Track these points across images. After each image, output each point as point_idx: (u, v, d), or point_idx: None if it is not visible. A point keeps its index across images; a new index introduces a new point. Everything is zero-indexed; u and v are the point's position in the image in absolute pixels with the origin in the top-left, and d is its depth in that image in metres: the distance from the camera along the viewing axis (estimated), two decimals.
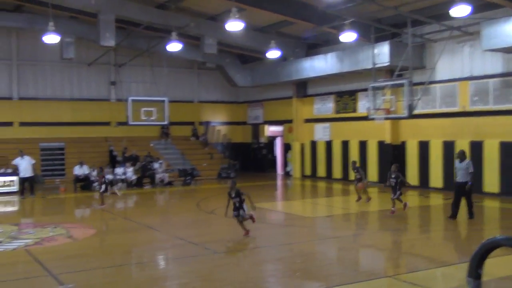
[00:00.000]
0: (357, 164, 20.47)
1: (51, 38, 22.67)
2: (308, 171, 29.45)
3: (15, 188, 23.52)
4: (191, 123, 33.90)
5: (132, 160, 27.54)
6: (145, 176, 26.78)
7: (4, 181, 23.84)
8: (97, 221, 16.86)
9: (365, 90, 23.44)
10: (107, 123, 31.21)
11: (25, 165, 22.24)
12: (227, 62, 31.64)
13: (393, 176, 16.00)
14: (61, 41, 24.32)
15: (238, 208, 12.42)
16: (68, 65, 29.72)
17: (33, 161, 22.85)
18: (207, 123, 34.60)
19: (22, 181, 22.35)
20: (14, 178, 23.71)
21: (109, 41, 23.43)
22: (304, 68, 27.39)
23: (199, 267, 10.51)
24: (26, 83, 29.55)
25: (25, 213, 19.59)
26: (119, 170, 26.17)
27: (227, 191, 12.76)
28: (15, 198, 22.39)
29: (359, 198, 19.14)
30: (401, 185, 16.16)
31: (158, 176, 26.56)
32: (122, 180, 25.78)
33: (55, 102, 30.06)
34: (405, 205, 16.12)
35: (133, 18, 24.60)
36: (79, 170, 24.99)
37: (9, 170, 24.41)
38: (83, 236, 13.73)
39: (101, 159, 28.36)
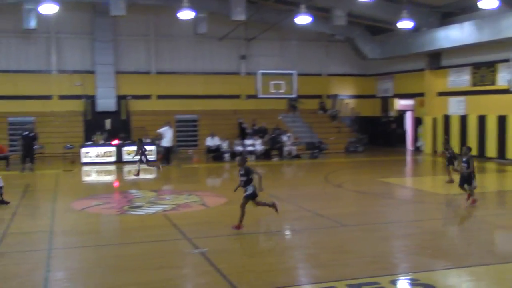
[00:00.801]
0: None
1: (186, 14, 23.74)
2: (440, 147, 28.21)
3: (153, 157, 25.17)
4: (319, 96, 33.78)
5: (261, 132, 28.18)
6: (273, 148, 27.27)
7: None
8: (227, 190, 17.50)
9: (506, 61, 21.79)
10: (237, 96, 32.09)
11: (170, 135, 23.78)
12: (357, 34, 30.98)
13: None
14: (195, 16, 25.31)
15: (243, 187, 11.14)
16: (200, 40, 30.85)
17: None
18: (334, 96, 34.27)
19: (167, 150, 23.89)
20: (153, 147, 25.39)
21: (240, 16, 24.02)
22: (438, 38, 26.00)
23: (326, 239, 10.61)
24: (163, 58, 31.19)
25: (163, 181, 20.80)
26: (248, 142, 26.94)
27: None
28: (153, 166, 23.93)
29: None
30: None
31: (286, 149, 26.95)
32: (251, 152, 26.52)
33: (188, 76, 31.46)
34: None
35: None
36: (211, 141, 26.13)
37: (149, 140, 26.13)
38: (214, 204, 14.39)
39: (231, 131, 29.32)
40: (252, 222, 12.31)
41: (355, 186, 18.24)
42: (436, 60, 28.54)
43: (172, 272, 8.54)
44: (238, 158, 11.94)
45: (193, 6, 23.65)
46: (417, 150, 30.40)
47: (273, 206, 11.37)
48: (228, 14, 24.70)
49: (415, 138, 30.89)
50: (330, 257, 9.25)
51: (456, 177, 15.08)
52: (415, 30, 26.94)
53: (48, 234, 10.97)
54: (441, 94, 28.46)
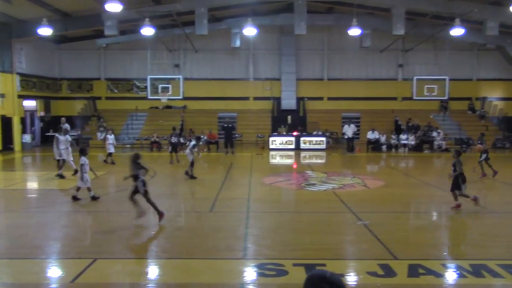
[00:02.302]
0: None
1: (354, 31, 23.30)
2: None
3: (323, 146, 25.29)
4: (469, 99, 30.79)
5: (414, 128, 26.65)
6: (425, 142, 25.61)
7: (316, 141, 25.81)
8: (385, 175, 16.92)
9: None
10: (393, 98, 30.72)
11: (351, 130, 23.85)
12: (508, 43, 27.51)
13: None
14: (361, 33, 24.72)
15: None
16: (364, 52, 30.07)
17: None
18: (483, 98, 30.94)
19: (349, 140, 24.17)
20: (323, 138, 25.50)
21: (400, 31, 22.84)
22: None
23: (476, 222, 9.68)
24: (333, 67, 31.05)
25: (331, 165, 20.82)
26: (403, 137, 25.66)
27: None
28: (323, 153, 24.08)
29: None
30: None
31: (436, 143, 25.13)
32: (404, 145, 25.23)
33: (353, 82, 30.91)
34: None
35: (422, 9, 23.37)
36: (371, 135, 25.38)
37: (320, 132, 26.28)
38: (374, 186, 13.97)
39: (387, 127, 28.24)
40: (404, 203, 11.75)
41: (502, 178, 16.30)
42: None
43: (340, 238, 8.50)
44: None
45: (360, 24, 23.12)
46: None
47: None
48: (389, 30, 23.63)
49: None
50: (479, 238, 8.42)
51: None
52: None
53: (246, 201, 11.64)
54: None
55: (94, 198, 11.42)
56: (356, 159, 22.38)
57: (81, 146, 11.87)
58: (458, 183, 10.42)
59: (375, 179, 15.28)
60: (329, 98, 30.97)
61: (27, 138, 26.06)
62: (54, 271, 6.81)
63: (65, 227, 9.46)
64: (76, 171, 14.85)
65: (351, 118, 29.96)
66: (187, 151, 15.15)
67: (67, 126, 18.59)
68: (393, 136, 26.07)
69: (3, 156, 22.04)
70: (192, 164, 14.85)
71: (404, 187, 14.11)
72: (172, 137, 19.86)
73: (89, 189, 11.43)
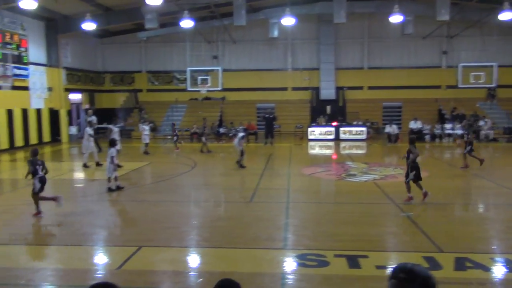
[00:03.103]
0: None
1: (396, 18, 22.68)
2: None
3: (363, 136, 24.88)
4: None
5: (459, 118, 25.71)
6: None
7: (356, 131, 25.41)
8: (429, 166, 16.36)
9: None
10: (437, 87, 29.72)
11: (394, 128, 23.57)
12: None
13: None
14: (403, 19, 24.01)
15: None
16: (406, 39, 29.18)
17: None
18: None
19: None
20: (363, 128, 25.07)
21: (444, 16, 22.01)
22: None
23: None
24: (374, 55, 30.36)
25: (372, 156, 20.45)
26: (447, 126, 24.83)
27: None
28: (363, 144, 23.69)
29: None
30: None
31: (483, 133, 24.17)
32: (449, 135, 24.43)
33: (395, 70, 30.11)
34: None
35: None
36: (414, 124, 24.74)
37: (360, 122, 25.83)
38: None
39: (430, 116, 27.38)
40: (454, 194, 11.39)
41: None
42: None
43: (382, 229, 8.35)
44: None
45: (402, 10, 22.45)
46: None
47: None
48: (433, 16, 22.80)
49: None
50: None
51: None
52: None
53: (286, 191, 11.62)
54: None
55: (118, 188, 11.56)
56: (398, 150, 21.86)
57: (111, 138, 12.24)
58: (416, 173, 9.96)
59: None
60: (370, 88, 30.35)
61: (73, 130, 27.03)
62: (101, 258, 7.06)
63: (111, 216, 9.77)
64: (98, 163, 15.60)
65: (393, 108, 29.49)
66: (236, 142, 15.67)
67: (93, 118, 19.24)
68: (437, 126, 25.28)
69: (51, 147, 22.97)
70: (242, 154, 15.30)
71: (449, 178, 13.67)
72: (197, 128, 20.44)
73: (115, 179, 11.61)
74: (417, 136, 23.97)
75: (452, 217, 9.40)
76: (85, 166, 15.72)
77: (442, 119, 26.89)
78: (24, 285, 5.88)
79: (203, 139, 19.90)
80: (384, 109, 29.20)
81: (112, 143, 11.67)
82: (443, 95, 29.27)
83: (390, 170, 14.56)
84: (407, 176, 10.13)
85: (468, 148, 14.74)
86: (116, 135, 15.93)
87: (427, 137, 24.21)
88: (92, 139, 16.14)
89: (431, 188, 10.67)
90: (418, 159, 10.21)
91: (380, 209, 9.85)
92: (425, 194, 9.92)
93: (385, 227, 8.52)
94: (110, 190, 11.50)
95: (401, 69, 30.04)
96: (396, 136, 23.40)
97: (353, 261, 6.43)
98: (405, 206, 9.60)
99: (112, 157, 11.38)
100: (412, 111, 27.52)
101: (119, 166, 14.61)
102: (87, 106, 29.84)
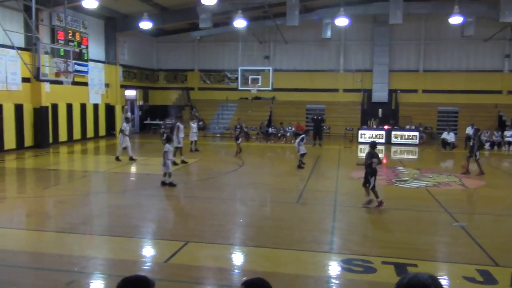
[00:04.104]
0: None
1: (456, 19, 21.79)
2: None
3: (416, 141, 24.10)
4: None
5: None
6: None
7: (408, 135, 24.65)
8: (486, 174, 15.60)
9: None
10: (498, 92, 28.30)
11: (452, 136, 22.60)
12: None
13: None
14: (463, 21, 23.04)
15: None
16: (466, 41, 28.00)
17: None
18: None
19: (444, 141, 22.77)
20: (416, 133, 24.31)
21: (508, 17, 20.90)
22: None
23: None
24: (430, 58, 29.35)
25: (424, 161, 19.74)
26: (508, 133, 23.55)
27: None
28: (415, 149, 22.93)
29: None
30: None
31: None
32: (510, 143, 23.15)
33: (452, 74, 28.96)
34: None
35: None
36: (471, 130, 23.56)
37: (413, 127, 25.05)
38: (473, 186, 13.01)
39: (489, 123, 26.07)
40: (507, 205, 10.79)
41: None
42: None
43: (434, 238, 8.05)
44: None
45: (462, 11, 21.53)
46: None
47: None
48: (496, 17, 21.72)
49: None
50: None
51: None
52: None
53: (333, 194, 11.48)
54: None
55: (171, 185, 11.75)
56: (453, 156, 21.01)
57: (167, 134, 12.59)
58: (367, 177, 9.84)
59: (474, 179, 14.19)
60: (424, 91, 29.36)
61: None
62: (150, 251, 7.26)
63: (160, 210, 10.03)
64: (131, 158, 16.23)
65: (449, 112, 28.34)
66: (296, 143, 16.00)
67: (129, 115, 19.84)
68: (496, 133, 24.03)
69: (106, 142, 23.91)
70: (302, 155, 15.56)
71: (507, 189, 12.98)
72: (236, 129, 20.48)
73: (169, 175, 11.83)
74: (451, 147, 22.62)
75: (509, 230, 8.91)
76: (117, 159, 16.47)
77: (502, 126, 25.54)
78: (77, 272, 6.15)
79: (239, 140, 19.10)
80: (439, 114, 28.16)
81: (168, 140, 12.07)
82: (504, 100, 27.84)
83: (444, 177, 14.01)
84: (367, 182, 9.93)
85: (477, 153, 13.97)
86: (181, 133, 16.41)
87: (487, 145, 23.02)
88: (127, 134, 16.69)
89: (489, 198, 10.19)
90: (375, 164, 9.91)
91: (431, 217, 9.52)
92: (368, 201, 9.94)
93: (437, 236, 8.22)
94: (163, 184, 11.78)
95: (459, 72, 28.85)
96: (453, 143, 22.35)
97: (401, 269, 6.24)
98: (458, 216, 9.20)
99: (165, 152, 11.68)
100: (469, 116, 26.30)
101: (175, 163, 14.98)
102: (141, 102, 30.82)
